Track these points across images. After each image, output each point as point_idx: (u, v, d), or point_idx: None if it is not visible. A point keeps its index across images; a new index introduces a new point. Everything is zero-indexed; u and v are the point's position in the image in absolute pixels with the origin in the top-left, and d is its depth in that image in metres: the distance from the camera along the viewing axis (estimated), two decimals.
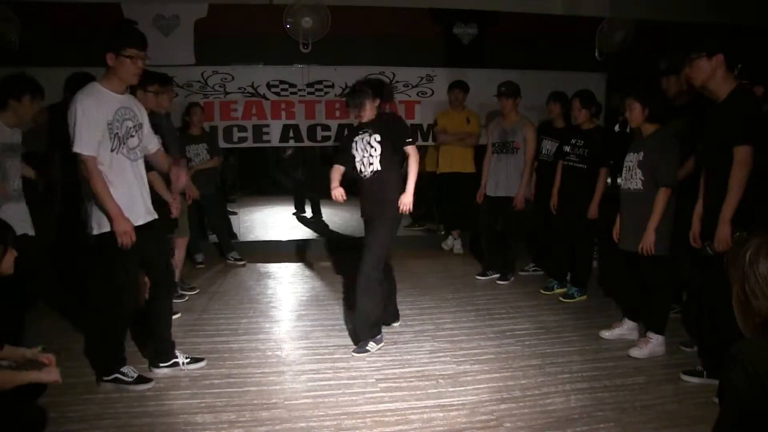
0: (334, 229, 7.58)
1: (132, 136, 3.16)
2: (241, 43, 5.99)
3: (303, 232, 7.36)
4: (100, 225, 3.09)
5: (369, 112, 3.76)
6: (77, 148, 2.96)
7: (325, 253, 6.35)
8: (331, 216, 7.96)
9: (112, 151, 3.07)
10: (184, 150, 5.28)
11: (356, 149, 3.81)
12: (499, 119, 5.27)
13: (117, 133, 3.08)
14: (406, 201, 3.71)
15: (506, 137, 5.14)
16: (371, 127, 3.76)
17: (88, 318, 3.95)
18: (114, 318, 3.25)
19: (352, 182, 3.93)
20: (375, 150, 3.72)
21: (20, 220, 3.35)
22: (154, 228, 3.30)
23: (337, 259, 6.12)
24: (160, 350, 3.45)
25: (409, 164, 3.74)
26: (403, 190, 3.73)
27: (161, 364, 3.43)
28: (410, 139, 3.80)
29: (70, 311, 4.31)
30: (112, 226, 3.04)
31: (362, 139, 3.78)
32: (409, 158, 3.75)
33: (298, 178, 8.34)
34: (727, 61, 3.00)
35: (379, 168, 3.72)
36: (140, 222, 3.18)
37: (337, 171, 3.90)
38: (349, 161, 3.87)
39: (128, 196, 3.13)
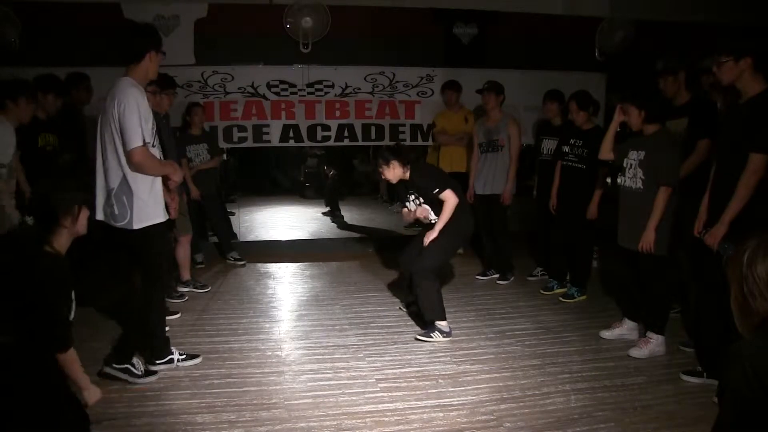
0: (338, 229, 7.58)
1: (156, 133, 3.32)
2: (241, 43, 5.98)
3: (303, 232, 7.36)
4: (142, 219, 3.16)
5: (392, 174, 4.02)
6: (141, 141, 3.04)
7: (327, 253, 6.34)
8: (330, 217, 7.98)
9: (153, 146, 3.20)
10: (185, 150, 5.27)
11: (412, 211, 4.17)
12: (484, 119, 5.31)
13: (154, 129, 3.22)
14: (430, 237, 3.95)
15: (491, 136, 5.19)
16: (411, 187, 4.08)
17: (109, 317, 4.03)
18: (158, 304, 3.37)
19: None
20: (426, 206, 4.07)
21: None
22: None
23: (339, 259, 6.13)
24: (156, 347, 3.46)
25: (443, 209, 3.96)
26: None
27: (157, 361, 3.43)
28: (437, 190, 3.95)
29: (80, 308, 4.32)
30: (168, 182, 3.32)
31: (413, 202, 4.15)
32: (445, 204, 3.96)
33: (330, 178, 8.30)
34: (756, 64, 2.97)
35: (435, 217, 4.02)
36: (167, 216, 3.38)
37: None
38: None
39: (160, 191, 3.28)
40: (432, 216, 4.05)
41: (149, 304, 3.34)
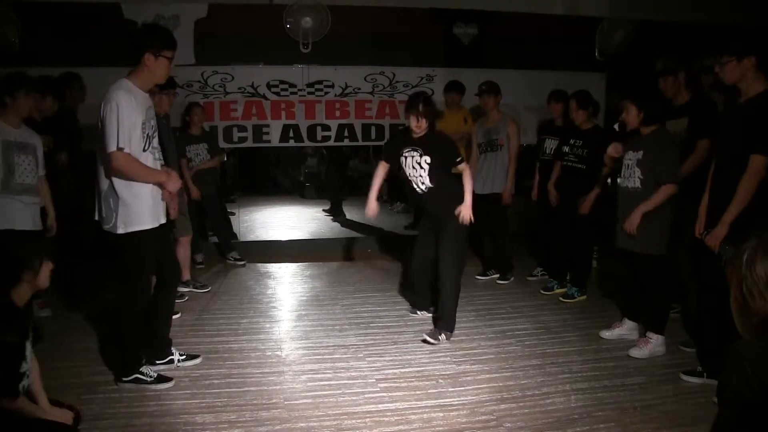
0: (338, 229, 7.57)
1: (155, 136, 3.21)
2: (241, 43, 5.99)
3: (303, 232, 7.35)
4: (126, 224, 3.08)
5: (422, 126, 3.91)
6: (115, 146, 2.92)
7: (327, 253, 6.34)
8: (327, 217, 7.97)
9: (144, 150, 3.09)
10: (185, 150, 5.28)
11: (405, 164, 4.04)
12: (483, 120, 5.32)
13: (147, 133, 3.11)
14: (466, 213, 3.94)
15: (490, 135, 5.20)
16: (421, 146, 3.95)
17: (107, 318, 3.98)
18: (133, 316, 3.24)
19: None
20: (424, 170, 3.94)
21: (26, 214, 3.41)
22: (165, 228, 3.36)
23: (339, 259, 6.13)
24: (157, 347, 3.46)
25: (464, 181, 3.99)
26: (459, 200, 3.94)
27: (157, 362, 3.43)
28: (459, 158, 4.00)
29: (77, 310, 4.33)
30: (164, 188, 3.16)
31: (411, 157, 3.99)
32: (463, 175, 4.00)
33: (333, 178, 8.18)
34: (759, 63, 2.95)
35: (431, 185, 3.97)
36: (162, 221, 3.26)
37: (383, 169, 4.20)
38: (394, 162, 4.13)
39: (154, 195, 3.17)
40: (427, 182, 3.96)
41: (125, 310, 3.24)
